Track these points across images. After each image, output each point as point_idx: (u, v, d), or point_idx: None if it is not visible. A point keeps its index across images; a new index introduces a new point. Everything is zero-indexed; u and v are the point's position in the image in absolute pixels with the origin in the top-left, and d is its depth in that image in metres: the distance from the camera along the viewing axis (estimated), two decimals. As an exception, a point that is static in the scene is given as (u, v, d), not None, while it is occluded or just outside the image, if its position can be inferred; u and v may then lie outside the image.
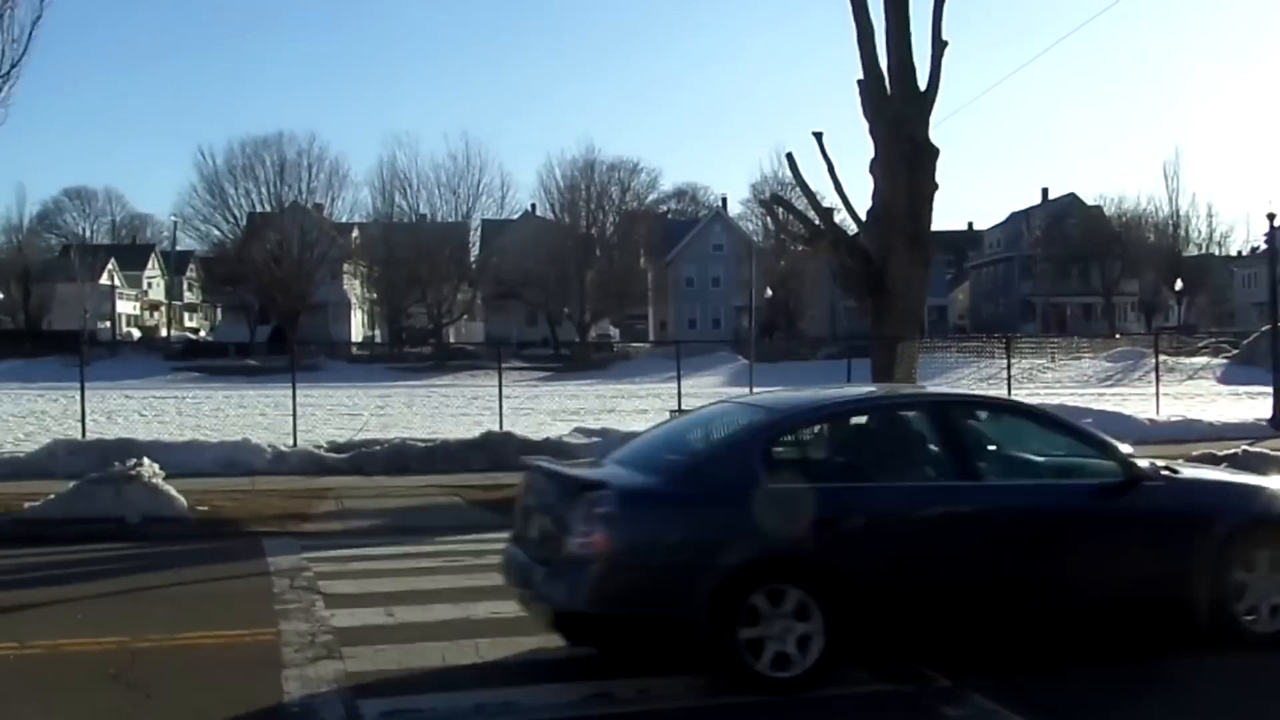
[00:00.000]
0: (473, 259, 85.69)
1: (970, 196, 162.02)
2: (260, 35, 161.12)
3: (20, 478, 17.44)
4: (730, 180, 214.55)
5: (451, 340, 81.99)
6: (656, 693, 6.86)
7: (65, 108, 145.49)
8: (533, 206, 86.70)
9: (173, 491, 14.04)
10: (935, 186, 24.79)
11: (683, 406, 22.91)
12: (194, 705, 6.76)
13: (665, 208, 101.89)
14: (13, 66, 15.00)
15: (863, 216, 25.92)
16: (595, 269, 79.93)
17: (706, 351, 60.72)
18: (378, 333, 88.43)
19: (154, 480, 14.09)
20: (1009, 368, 29.47)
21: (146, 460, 14.71)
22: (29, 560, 11.93)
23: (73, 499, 13.86)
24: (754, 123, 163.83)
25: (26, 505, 14.05)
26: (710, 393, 40.74)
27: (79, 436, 20.90)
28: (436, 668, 7.43)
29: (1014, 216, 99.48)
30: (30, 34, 15.01)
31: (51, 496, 14.06)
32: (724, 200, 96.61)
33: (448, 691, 6.83)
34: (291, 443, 21.01)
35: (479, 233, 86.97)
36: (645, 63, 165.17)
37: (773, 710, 6.61)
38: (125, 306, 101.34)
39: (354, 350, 76.25)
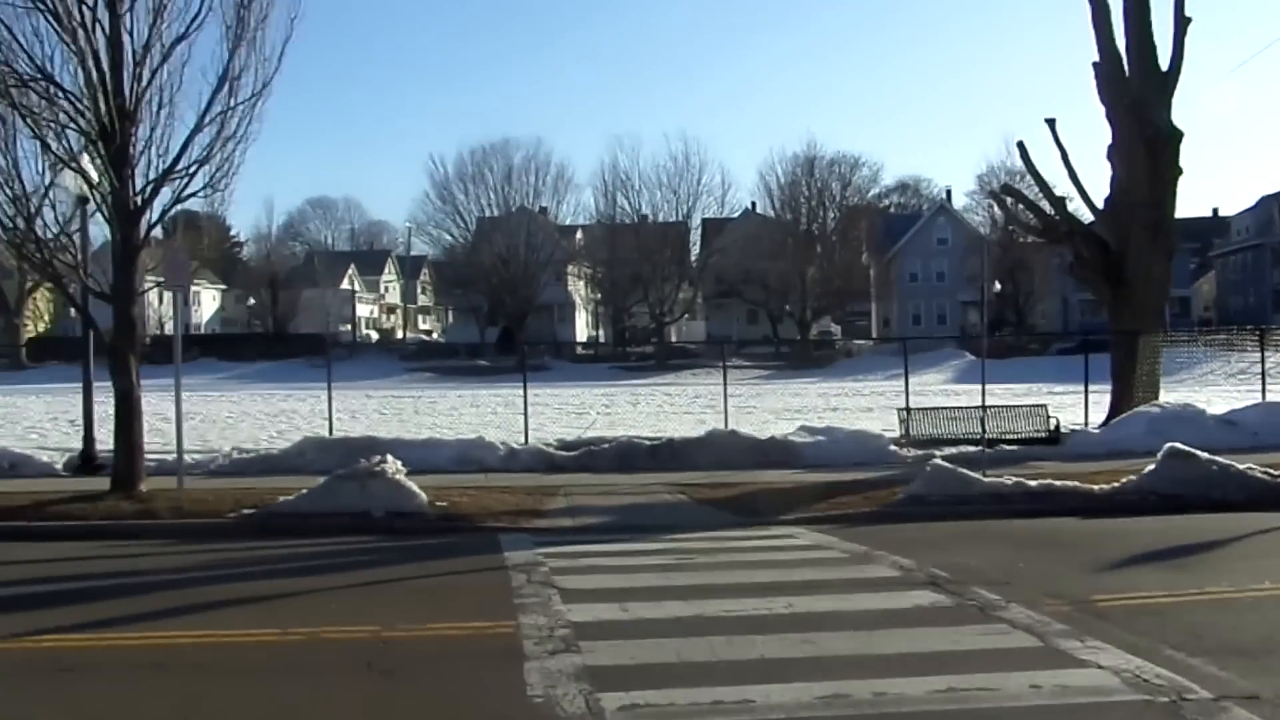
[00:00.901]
0: (693, 258, 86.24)
1: (1216, 181, 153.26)
2: (487, 44, 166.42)
3: (274, 473, 18.53)
4: (954, 172, 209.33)
5: (673, 339, 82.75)
6: (891, 694, 6.75)
7: (309, 121, 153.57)
8: (753, 204, 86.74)
9: (414, 487, 14.63)
10: (1178, 171, 23.65)
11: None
12: (443, 694, 7.02)
13: (887, 202, 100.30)
14: (265, 85, 15.81)
15: (1099, 205, 24.96)
16: (816, 266, 79.23)
17: (932, 348, 59.38)
18: (601, 332, 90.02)
19: (397, 476, 14.70)
20: (1263, 361, 27.58)
21: (389, 457, 15.35)
22: (284, 551, 12.65)
23: (322, 494, 14.60)
24: (979, 112, 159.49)
25: (280, 499, 14.87)
26: (938, 390, 39.84)
27: (326, 434, 22.04)
28: (672, 663, 7.49)
29: (1265, 200, 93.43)
30: (281, 53, 15.81)
31: (303, 491, 14.85)
32: (948, 193, 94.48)
33: (685, 687, 6.87)
34: (523, 440, 21.59)
35: (699, 232, 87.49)
36: (866, 55, 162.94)
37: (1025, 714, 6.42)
38: (363, 310, 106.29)
39: (579, 350, 77.79)
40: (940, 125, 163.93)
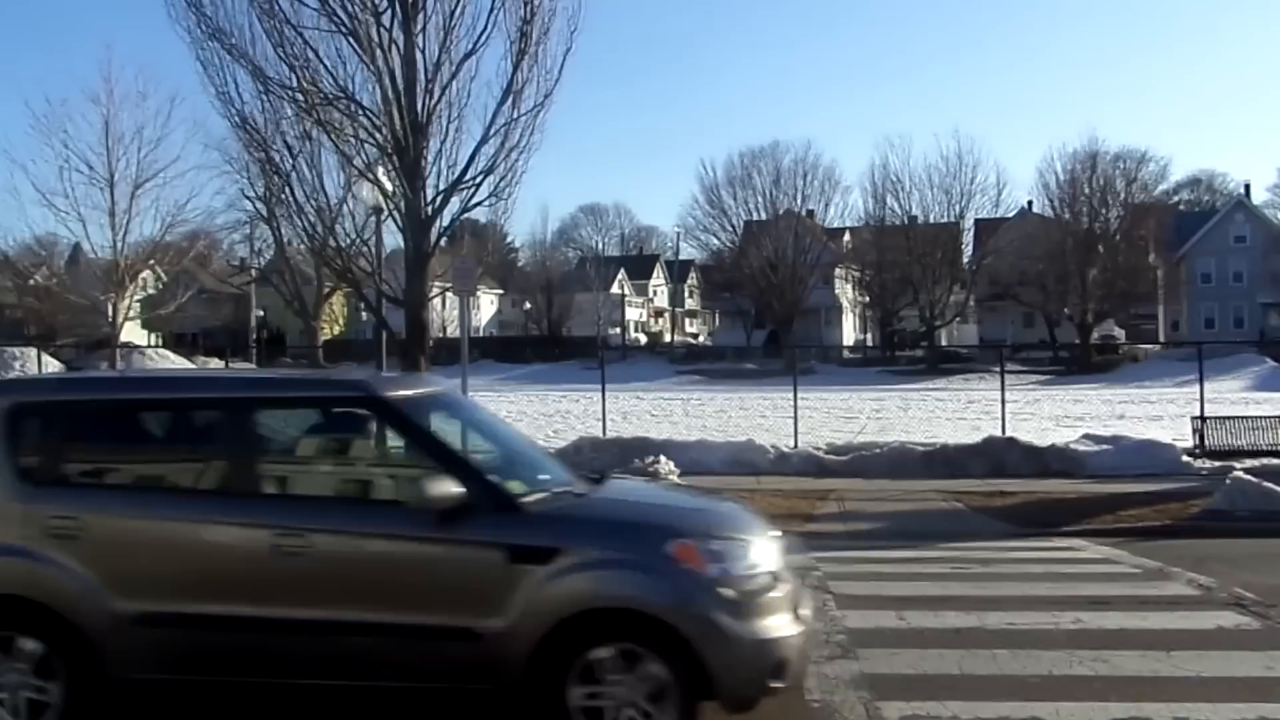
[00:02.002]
0: (966, 259, 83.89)
1: None
2: (758, 48, 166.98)
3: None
4: (1253, 166, 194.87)
5: (944, 343, 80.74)
6: (1194, 719, 6.36)
7: (582, 129, 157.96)
8: (1029, 203, 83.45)
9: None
10: None
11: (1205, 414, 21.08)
12: (720, 693, 7.05)
13: (1176, 199, 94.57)
14: (546, 96, 16.30)
15: None
16: (1098, 267, 75.52)
17: (1227, 353, 55.62)
18: (869, 336, 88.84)
19: (670, 476, 14.96)
20: None
21: (662, 457, 15.63)
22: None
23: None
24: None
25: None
26: (1235, 398, 37.34)
27: (600, 434, 22.59)
28: (954, 675, 7.31)
29: None
30: (562, 65, 16.28)
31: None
32: (1246, 187, 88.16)
33: (967, 700, 6.68)
34: (792, 444, 21.51)
35: (972, 232, 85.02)
36: (1153, 43, 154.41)
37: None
38: (633, 313, 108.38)
39: (846, 353, 76.97)
40: (1237, 116, 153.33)
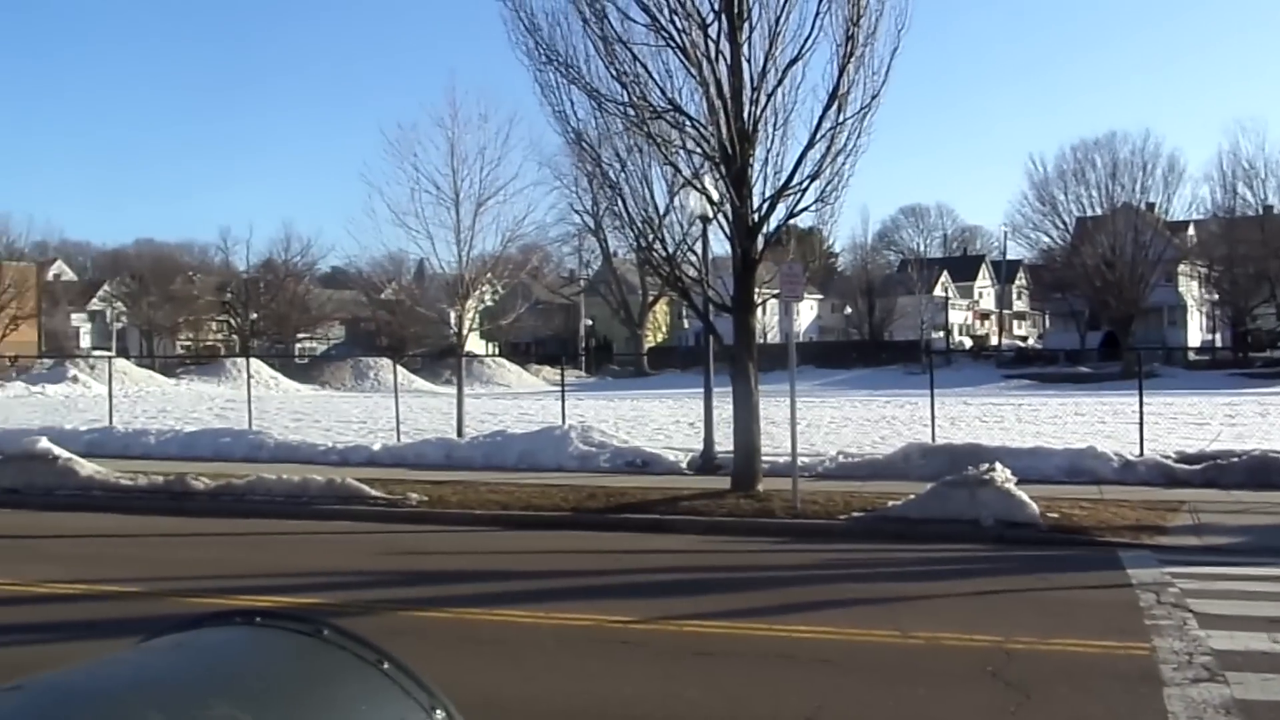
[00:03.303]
0: (1331, 251, 76.83)
1: None
2: (1079, 33, 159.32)
3: (878, 478, 18.82)
4: None
5: (1305, 342, 74.29)
6: None
7: (900, 128, 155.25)
8: (1407, 186, 75.57)
9: (1024, 497, 14.23)
10: None
11: None
12: (1075, 712, 6.75)
13: None
14: (873, 98, 16.09)
15: None
16: None
17: None
18: (1217, 337, 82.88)
19: (1006, 485, 14.39)
20: None
21: (998, 465, 15.08)
22: (896, 555, 12.81)
23: (930, 500, 14.62)
24: None
25: (889, 504, 15.10)
26: None
27: (928, 440, 22.06)
28: (1341, 707, 6.67)
29: None
30: (889, 66, 16.03)
31: (910, 497, 14.96)
32: None
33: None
34: (1137, 452, 20.30)
35: (1340, 221, 77.82)
36: None
37: None
38: (956, 316, 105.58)
39: (1191, 355, 72.07)
40: None
